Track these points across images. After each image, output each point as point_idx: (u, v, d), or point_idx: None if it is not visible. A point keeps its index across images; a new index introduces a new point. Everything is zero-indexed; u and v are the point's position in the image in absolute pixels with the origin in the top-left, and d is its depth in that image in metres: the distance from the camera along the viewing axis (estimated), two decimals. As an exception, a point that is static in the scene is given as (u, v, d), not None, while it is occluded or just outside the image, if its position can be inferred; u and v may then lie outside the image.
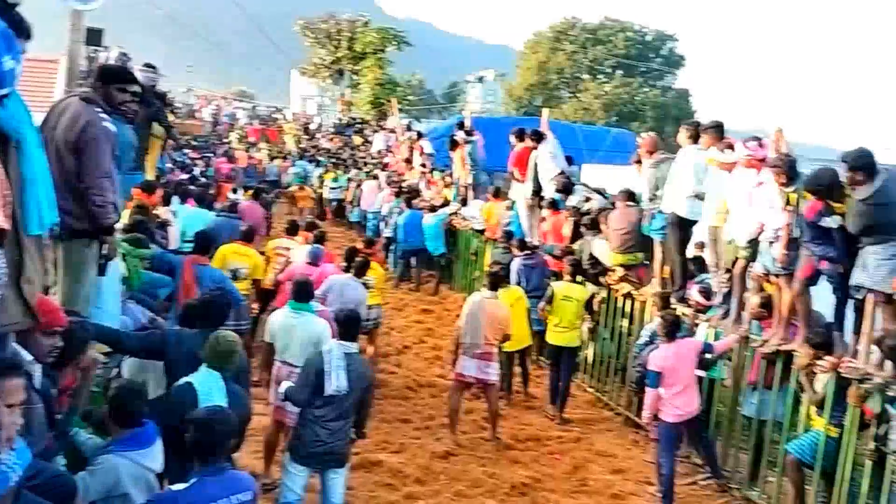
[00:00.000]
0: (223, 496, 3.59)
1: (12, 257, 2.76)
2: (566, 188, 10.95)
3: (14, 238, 2.92)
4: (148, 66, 8.41)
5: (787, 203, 6.75)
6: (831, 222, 6.23)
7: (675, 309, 8.17)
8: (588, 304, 9.65)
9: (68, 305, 4.42)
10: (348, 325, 5.93)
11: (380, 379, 10.31)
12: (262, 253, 10.45)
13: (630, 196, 9.61)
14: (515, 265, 10.58)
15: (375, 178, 20.45)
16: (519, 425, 9.16)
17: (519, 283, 10.23)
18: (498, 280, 8.91)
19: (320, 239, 10.47)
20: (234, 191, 17.85)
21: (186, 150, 25.96)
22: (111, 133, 4.81)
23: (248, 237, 9.81)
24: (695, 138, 8.42)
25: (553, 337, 9.61)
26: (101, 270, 4.98)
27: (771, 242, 7.01)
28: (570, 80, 61.85)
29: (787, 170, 6.71)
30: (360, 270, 9.18)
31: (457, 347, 8.54)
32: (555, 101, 57.67)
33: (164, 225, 8.99)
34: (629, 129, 38.84)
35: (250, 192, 15.44)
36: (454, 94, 65.59)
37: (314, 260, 9.42)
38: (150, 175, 8.36)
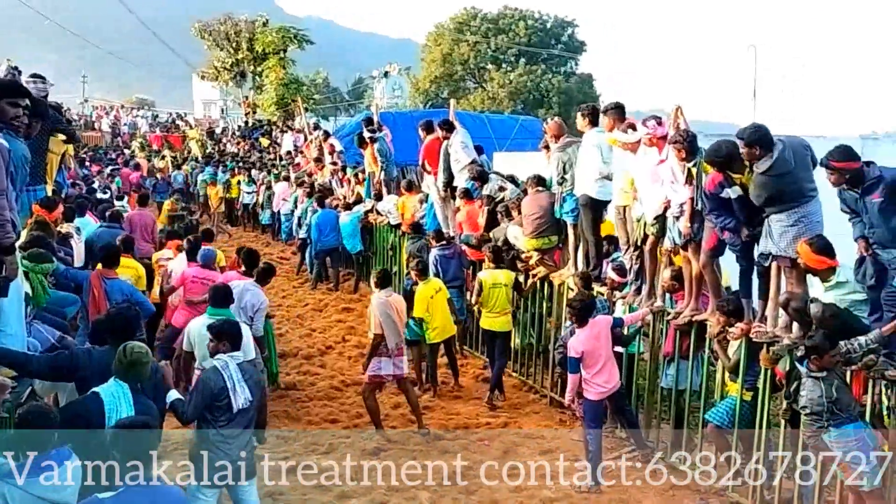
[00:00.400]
0: None
1: None
2: (481, 177, 11.01)
3: None
4: (35, 76, 8.05)
5: (689, 177, 6.96)
6: (731, 193, 6.45)
7: (591, 290, 8.35)
8: (516, 286, 9.80)
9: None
10: (233, 335, 5.78)
11: (304, 380, 10.25)
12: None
13: (540, 181, 9.75)
14: (432, 256, 10.69)
15: (287, 179, 20.23)
16: (447, 415, 9.21)
17: (437, 274, 10.31)
18: (387, 278, 8.86)
19: (195, 243, 9.91)
20: (120, 198, 17.20)
21: (87, 163, 25.13)
22: (4, 149, 4.62)
23: (127, 247, 9.23)
24: (593, 120, 8.65)
25: (488, 323, 9.76)
26: (3, 291, 4.77)
27: (676, 217, 7.23)
28: (474, 70, 62.31)
29: (687, 145, 6.92)
30: (263, 276, 8.90)
31: (374, 351, 8.50)
32: (461, 92, 58.01)
33: (65, 239, 8.65)
34: (536, 115, 39.41)
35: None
36: (360, 90, 65.14)
37: (207, 262, 9.23)
38: (49, 188, 8.03)
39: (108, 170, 25.08)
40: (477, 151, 12.24)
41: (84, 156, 26.98)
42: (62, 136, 8.38)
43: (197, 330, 6.80)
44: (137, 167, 25.85)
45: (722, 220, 6.65)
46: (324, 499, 6.99)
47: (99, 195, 15.91)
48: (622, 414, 7.97)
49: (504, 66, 61.29)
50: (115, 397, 4.59)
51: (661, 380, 8.08)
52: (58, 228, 8.44)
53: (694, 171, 6.88)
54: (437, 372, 10.16)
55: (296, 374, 10.55)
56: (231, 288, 7.63)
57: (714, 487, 7.27)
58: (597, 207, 8.62)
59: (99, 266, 8.03)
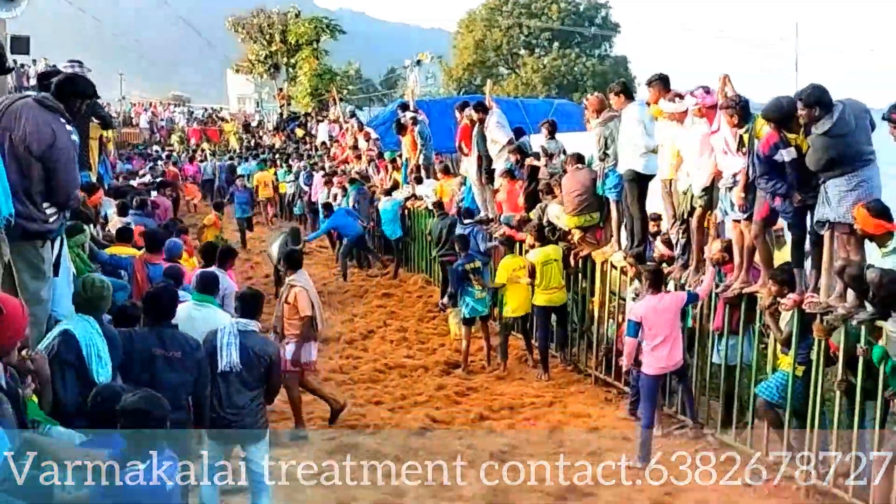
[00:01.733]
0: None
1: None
2: (521, 152, 10.86)
3: None
4: (73, 61, 8.20)
5: (741, 145, 6.79)
6: (786, 155, 6.27)
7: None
8: (565, 261, 9.75)
9: (30, 306, 4.26)
10: (248, 302, 5.94)
11: (347, 364, 10.27)
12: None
13: (579, 159, 9.64)
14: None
15: (323, 169, 20.28)
16: (492, 396, 9.16)
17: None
18: (300, 258, 8.66)
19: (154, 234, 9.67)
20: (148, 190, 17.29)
21: (131, 159, 25.47)
22: (76, 144, 4.75)
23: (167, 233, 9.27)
24: (627, 95, 8.67)
25: (544, 299, 9.68)
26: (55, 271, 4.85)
27: (728, 188, 7.06)
28: (507, 56, 61.87)
29: (740, 110, 6.74)
30: (224, 258, 8.53)
31: (307, 334, 8.14)
32: (494, 78, 57.57)
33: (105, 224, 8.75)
34: (571, 100, 39.02)
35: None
36: (393, 80, 65.04)
37: (172, 256, 8.57)
38: (93, 175, 8.14)
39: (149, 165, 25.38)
40: (517, 134, 12.14)
41: (126, 152, 27.41)
42: (97, 122, 8.53)
43: (181, 315, 6.66)
44: (175, 163, 26.14)
45: (774, 185, 6.48)
46: (372, 476, 6.97)
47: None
48: (681, 386, 7.81)
49: (537, 50, 60.75)
50: (86, 331, 4.58)
51: (711, 356, 7.92)
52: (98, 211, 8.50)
53: (746, 137, 6.71)
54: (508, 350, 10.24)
55: (339, 357, 10.58)
56: (215, 276, 7.32)
57: (766, 462, 7.13)
58: (642, 182, 8.46)
59: (142, 251, 8.08)
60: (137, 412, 3.51)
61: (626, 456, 7.44)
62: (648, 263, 7.98)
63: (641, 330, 7.30)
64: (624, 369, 8.00)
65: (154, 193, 14.97)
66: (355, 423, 8.21)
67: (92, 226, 7.51)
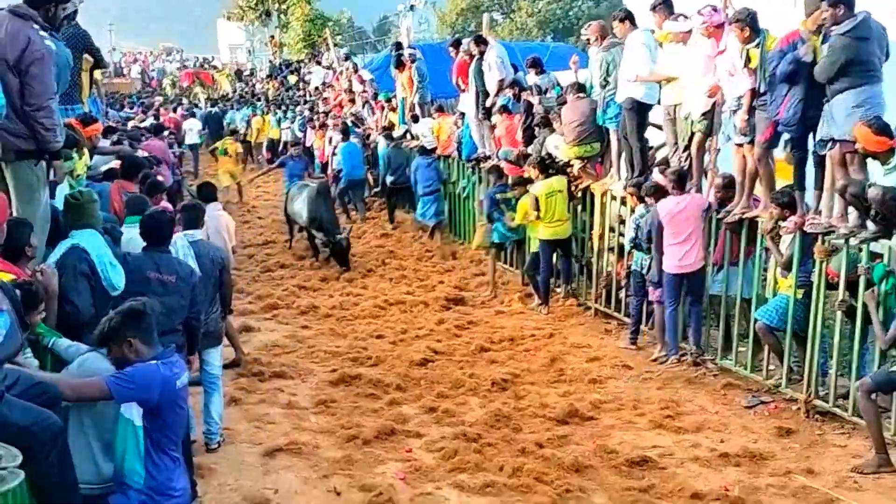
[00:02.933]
0: (177, 375, 3.58)
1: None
2: (517, 87, 10.71)
3: None
4: None
5: (748, 62, 6.65)
6: (804, 51, 6.14)
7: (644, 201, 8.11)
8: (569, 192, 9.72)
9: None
10: (191, 213, 6.19)
11: (347, 301, 10.28)
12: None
13: (580, 88, 9.52)
14: (414, 165, 13.07)
15: (319, 114, 20.08)
16: (492, 329, 9.19)
17: (415, 182, 12.89)
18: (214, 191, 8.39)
19: None
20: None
21: (125, 108, 25.08)
22: (52, 51, 4.59)
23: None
24: (632, 22, 8.52)
25: (549, 232, 9.59)
26: (52, 195, 4.79)
27: (733, 111, 6.98)
28: (502, 0, 60.93)
29: (750, 22, 6.62)
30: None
31: None
32: (490, 23, 56.66)
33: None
34: (567, 43, 38.52)
35: None
36: (385, 27, 64.28)
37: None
38: (84, 109, 8.00)
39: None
40: (514, 69, 11.98)
41: (115, 98, 27.02)
42: (89, 58, 8.35)
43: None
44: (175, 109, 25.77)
45: (781, 97, 6.36)
46: (374, 405, 7.03)
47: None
48: (695, 313, 7.82)
49: (532, -6, 59.80)
50: (94, 244, 4.60)
51: (709, 288, 7.92)
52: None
53: (756, 52, 6.57)
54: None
55: (339, 295, 10.58)
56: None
57: (766, 385, 7.20)
58: (642, 111, 8.36)
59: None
60: (135, 312, 3.52)
61: (625, 382, 7.54)
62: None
63: (662, 231, 7.50)
64: (656, 280, 7.90)
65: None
66: (357, 355, 8.23)
67: (88, 157, 7.36)
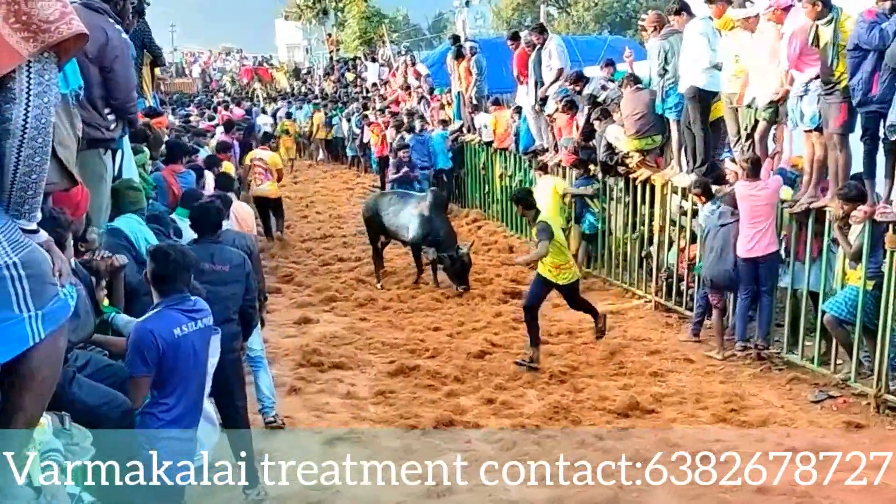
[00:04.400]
0: (188, 320, 3.65)
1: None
2: (578, 78, 10.55)
3: None
4: None
5: (817, 41, 6.41)
6: (891, 25, 5.91)
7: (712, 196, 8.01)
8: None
9: (93, 215, 4.32)
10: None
11: (405, 294, 10.31)
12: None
13: (636, 80, 9.38)
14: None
15: (378, 111, 20.22)
16: (550, 322, 9.10)
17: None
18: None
19: None
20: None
21: (188, 108, 25.62)
22: (130, 45, 4.70)
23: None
24: (689, 12, 8.41)
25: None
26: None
27: (799, 97, 6.78)
28: (558, -6, 60.50)
29: None
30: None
31: None
32: (547, 17, 56.27)
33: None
34: (624, 37, 38.06)
35: None
36: (441, 23, 64.27)
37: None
38: (148, 103, 8.16)
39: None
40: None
41: (180, 99, 27.64)
42: (148, 55, 8.52)
43: None
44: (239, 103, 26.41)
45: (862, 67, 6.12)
46: (432, 396, 7.05)
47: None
48: (765, 304, 7.66)
49: (589, -13, 59.20)
50: (133, 229, 4.76)
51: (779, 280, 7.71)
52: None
53: (827, 30, 6.37)
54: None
55: (396, 288, 10.62)
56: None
57: (834, 379, 7.00)
58: (705, 99, 8.18)
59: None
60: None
61: (687, 376, 7.41)
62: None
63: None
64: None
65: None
66: (415, 347, 8.26)
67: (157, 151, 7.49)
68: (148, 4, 7.52)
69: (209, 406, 4.03)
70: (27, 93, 1.83)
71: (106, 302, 3.96)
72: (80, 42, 1.93)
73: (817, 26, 6.42)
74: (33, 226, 1.96)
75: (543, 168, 11.17)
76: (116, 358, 3.60)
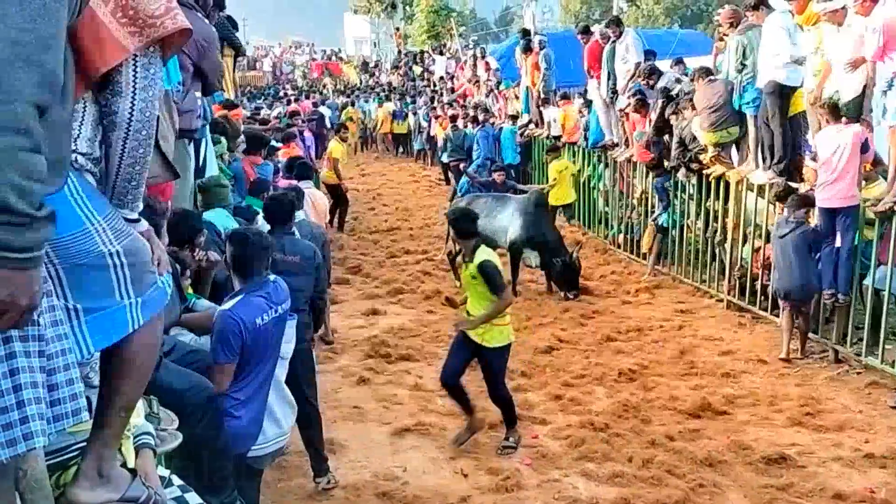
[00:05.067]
0: (269, 308, 3.71)
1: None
2: (651, 72, 10.37)
3: None
4: None
5: None
6: None
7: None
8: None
9: (175, 204, 4.42)
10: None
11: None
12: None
13: (707, 72, 9.20)
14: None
15: (445, 104, 20.33)
16: (618, 319, 9.03)
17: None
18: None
19: None
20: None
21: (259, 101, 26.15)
22: (216, 36, 4.79)
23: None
24: (767, 6, 8.20)
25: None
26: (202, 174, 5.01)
27: (884, 91, 6.55)
28: (628, -13, 59.67)
29: None
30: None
31: None
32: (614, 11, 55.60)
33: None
34: (695, 30, 37.36)
35: None
36: (508, 17, 64.12)
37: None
38: (227, 95, 8.33)
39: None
40: (647, 55, 11.76)
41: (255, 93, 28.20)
42: (228, 49, 8.66)
43: None
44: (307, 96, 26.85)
45: None
46: (501, 391, 7.02)
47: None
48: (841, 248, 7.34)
49: (659, -20, 58.26)
50: (221, 220, 4.95)
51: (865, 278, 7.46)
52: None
53: None
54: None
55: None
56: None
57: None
58: (785, 95, 7.95)
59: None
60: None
61: (761, 377, 7.24)
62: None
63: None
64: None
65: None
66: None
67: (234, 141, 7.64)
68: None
69: (286, 389, 4.09)
70: (133, 86, 1.89)
71: (189, 290, 4.07)
72: (183, 37, 1.98)
73: None
74: (135, 215, 2.02)
75: (555, 150, 12.59)
76: (201, 335, 3.70)
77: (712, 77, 9.06)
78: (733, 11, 8.80)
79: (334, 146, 13.22)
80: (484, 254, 5.69)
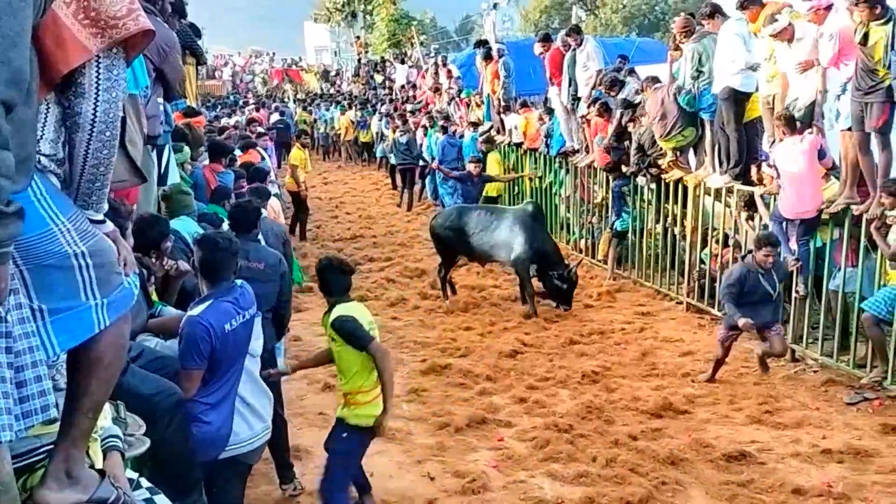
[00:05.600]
0: (237, 313, 3.69)
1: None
2: (614, 84, 10.50)
3: None
4: None
5: (864, 40, 6.31)
6: None
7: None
8: None
9: (140, 209, 4.40)
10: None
11: (435, 294, 10.33)
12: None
13: (655, 80, 9.39)
14: (440, 143, 14.59)
15: (407, 112, 20.32)
16: (581, 322, 9.13)
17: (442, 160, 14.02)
18: None
19: None
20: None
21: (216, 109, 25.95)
22: (174, 36, 4.75)
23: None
24: (722, 14, 8.37)
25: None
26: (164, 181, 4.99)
27: (837, 96, 6.72)
28: (586, -3, 60.33)
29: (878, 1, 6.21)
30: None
31: None
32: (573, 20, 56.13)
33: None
34: (652, 39, 37.85)
35: None
36: (468, 26, 64.42)
37: None
38: (189, 102, 8.27)
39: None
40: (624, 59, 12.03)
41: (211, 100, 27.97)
42: (190, 56, 8.60)
43: None
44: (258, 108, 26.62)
45: None
46: (465, 395, 7.08)
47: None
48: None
49: (616, -10, 58.98)
50: (187, 229, 4.94)
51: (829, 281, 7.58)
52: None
53: (882, 29, 6.15)
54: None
55: (429, 290, 10.64)
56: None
57: (870, 382, 6.93)
58: (740, 100, 8.13)
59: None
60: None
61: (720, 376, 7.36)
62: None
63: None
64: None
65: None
66: (446, 346, 8.30)
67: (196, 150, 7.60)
68: (186, 4, 7.59)
69: (260, 380, 4.07)
70: (96, 88, 1.90)
71: (155, 297, 4.05)
72: (146, 38, 1.99)
73: (866, 25, 6.30)
74: (100, 216, 2.02)
75: (490, 142, 13.51)
76: (167, 339, 3.68)
77: (658, 85, 9.22)
78: (687, 20, 8.96)
79: (294, 152, 13.29)
80: (341, 309, 4.65)
